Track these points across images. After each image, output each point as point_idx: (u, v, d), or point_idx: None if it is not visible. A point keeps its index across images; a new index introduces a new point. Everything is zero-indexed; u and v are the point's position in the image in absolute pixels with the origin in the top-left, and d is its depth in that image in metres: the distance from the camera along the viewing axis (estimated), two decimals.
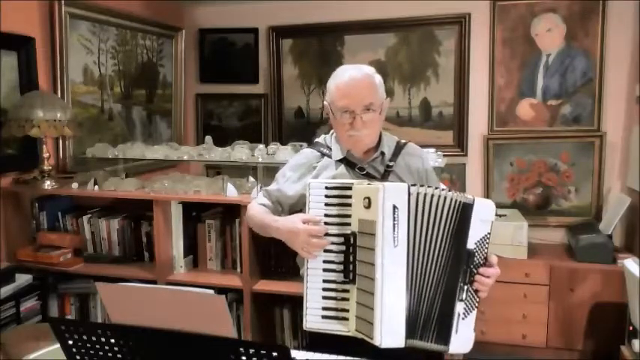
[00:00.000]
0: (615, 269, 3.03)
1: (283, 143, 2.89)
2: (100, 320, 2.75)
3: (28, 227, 2.79)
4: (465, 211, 1.44)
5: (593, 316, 3.13)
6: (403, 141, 1.75)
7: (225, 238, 2.65)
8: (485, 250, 1.47)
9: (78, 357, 1.13)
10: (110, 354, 1.11)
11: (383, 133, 1.70)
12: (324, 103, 1.67)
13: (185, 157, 2.94)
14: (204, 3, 4.08)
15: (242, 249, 2.47)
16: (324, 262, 1.47)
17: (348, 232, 1.44)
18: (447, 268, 1.44)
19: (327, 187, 1.48)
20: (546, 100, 3.56)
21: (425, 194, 1.41)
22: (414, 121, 3.83)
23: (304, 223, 1.47)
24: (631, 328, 2.65)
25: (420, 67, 3.77)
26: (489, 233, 1.47)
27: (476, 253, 1.45)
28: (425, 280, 1.42)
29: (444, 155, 2.68)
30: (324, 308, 1.46)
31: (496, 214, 3.49)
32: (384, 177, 1.64)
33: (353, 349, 1.43)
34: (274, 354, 1.00)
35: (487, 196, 3.70)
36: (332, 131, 1.72)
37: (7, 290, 2.42)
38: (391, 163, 1.66)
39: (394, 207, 1.37)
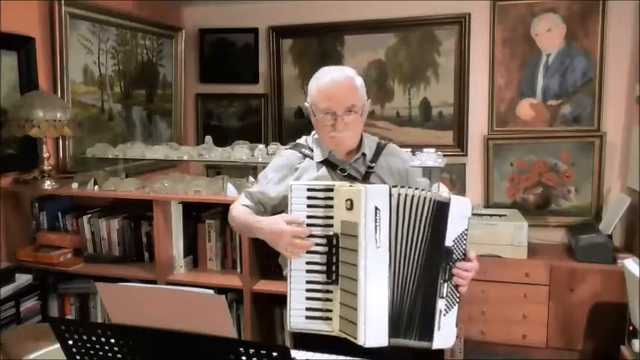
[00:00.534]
0: (615, 269, 3.03)
1: (283, 143, 2.89)
2: (100, 320, 2.75)
3: (28, 227, 2.79)
4: (441, 210, 1.46)
5: (593, 316, 3.13)
6: (383, 142, 1.76)
7: (225, 238, 2.65)
8: (464, 246, 1.50)
9: (78, 357, 1.14)
10: (110, 354, 1.11)
11: (364, 135, 1.71)
12: (306, 104, 1.68)
13: (185, 157, 2.94)
14: (204, 3, 4.07)
15: (242, 249, 2.48)
16: (308, 263, 1.48)
17: (331, 233, 1.45)
18: (427, 267, 1.46)
19: (309, 189, 1.49)
20: (546, 100, 3.56)
21: (405, 195, 1.43)
22: (414, 121, 3.83)
23: (288, 224, 1.48)
24: (631, 328, 2.65)
25: (420, 67, 3.77)
26: (467, 229, 1.50)
27: (454, 250, 1.48)
28: (407, 279, 1.45)
29: (444, 155, 2.68)
30: (308, 309, 1.47)
31: (497, 215, 3.50)
32: (366, 178, 1.65)
33: (341, 349, 1.44)
34: (274, 354, 1.00)
35: (487, 196, 3.71)
36: (313, 132, 1.73)
37: (7, 290, 2.42)
38: (372, 164, 1.67)
39: (376, 208, 1.39)
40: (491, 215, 3.44)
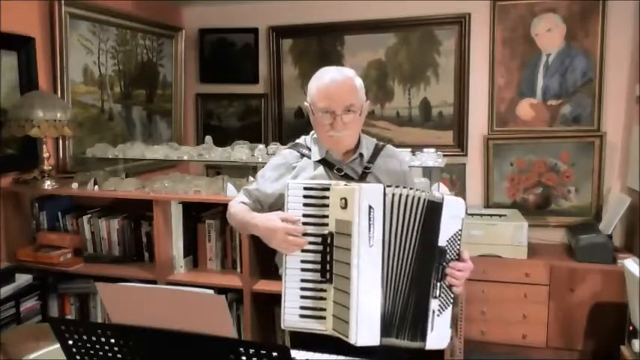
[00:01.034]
0: (615, 269, 3.03)
1: (283, 143, 2.89)
2: (100, 320, 2.75)
3: (28, 227, 2.79)
4: (434, 210, 1.46)
5: (593, 316, 3.13)
6: (381, 143, 1.77)
7: (225, 238, 2.65)
8: (458, 246, 1.50)
9: (78, 357, 1.14)
10: (110, 354, 1.11)
11: (362, 136, 1.72)
12: (305, 103, 1.69)
13: (185, 157, 2.94)
14: (204, 3, 4.07)
15: (242, 249, 2.48)
16: (302, 261, 1.49)
17: (326, 232, 1.46)
18: (420, 266, 1.46)
19: (305, 188, 1.50)
20: (546, 100, 3.56)
21: (400, 195, 1.44)
22: (414, 121, 3.83)
23: (283, 221, 1.49)
24: (631, 328, 2.65)
25: (420, 67, 3.77)
26: (460, 230, 1.50)
27: (447, 250, 1.48)
28: (400, 279, 1.45)
29: (444, 155, 2.68)
30: (302, 307, 1.48)
31: (497, 215, 3.49)
32: (362, 178, 1.66)
33: (340, 349, 1.44)
34: (274, 354, 1.00)
35: (487, 196, 3.71)
36: (312, 132, 1.74)
37: (7, 290, 2.42)
38: (369, 165, 1.68)
39: (370, 207, 1.40)
40: (491, 215, 3.44)
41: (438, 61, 3.73)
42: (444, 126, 3.77)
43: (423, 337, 1.46)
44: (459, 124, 3.73)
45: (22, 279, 2.53)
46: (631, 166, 3.31)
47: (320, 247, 1.47)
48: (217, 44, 4.19)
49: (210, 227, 2.63)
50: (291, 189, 1.51)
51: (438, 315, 1.48)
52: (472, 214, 3.46)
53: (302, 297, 1.48)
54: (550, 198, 3.62)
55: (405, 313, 1.45)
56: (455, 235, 1.49)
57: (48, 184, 2.66)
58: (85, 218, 2.76)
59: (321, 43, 3.96)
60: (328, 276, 1.45)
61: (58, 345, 1.14)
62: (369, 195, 1.40)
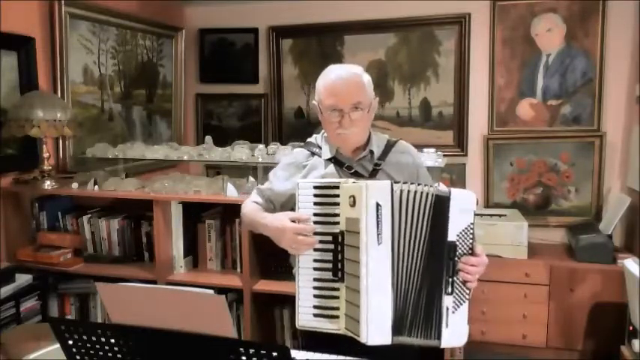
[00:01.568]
0: (615, 269, 3.03)
1: (283, 143, 2.89)
2: (100, 320, 2.75)
3: (28, 227, 2.79)
4: (441, 204, 1.44)
5: (593, 316, 3.13)
6: (393, 139, 1.76)
7: (225, 238, 2.65)
8: (470, 241, 1.47)
9: (78, 357, 1.13)
10: (110, 354, 1.11)
11: (372, 133, 1.71)
12: (313, 102, 1.68)
13: (185, 157, 2.94)
14: (204, 3, 4.07)
15: (242, 249, 2.48)
16: (315, 260, 1.48)
17: (337, 230, 1.45)
18: (431, 263, 1.44)
19: (315, 187, 1.50)
20: (546, 100, 3.56)
21: (408, 191, 1.43)
22: (414, 121, 3.83)
23: (292, 221, 1.49)
24: (631, 328, 2.65)
25: (420, 67, 3.77)
26: (472, 224, 1.46)
27: (458, 245, 1.46)
28: (410, 276, 1.43)
29: (444, 155, 2.69)
30: (316, 307, 1.47)
31: (497, 215, 3.49)
32: (373, 175, 1.65)
33: (351, 349, 1.44)
34: (274, 354, 1.00)
35: (487, 196, 3.71)
36: (323, 131, 1.73)
37: (7, 290, 2.42)
38: (380, 162, 1.67)
39: (377, 205, 1.39)
40: (491, 215, 3.44)
41: (438, 61, 3.73)
42: (444, 126, 3.77)
43: (438, 334, 1.45)
44: (459, 124, 3.73)
45: (22, 279, 2.53)
46: (631, 166, 3.31)
47: (331, 246, 1.46)
48: (217, 44, 4.19)
49: (210, 227, 2.63)
50: (301, 188, 1.51)
51: (453, 312, 1.45)
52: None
53: (315, 296, 1.48)
54: (550, 198, 3.62)
55: (417, 310, 1.44)
56: (466, 229, 1.46)
57: (48, 184, 2.66)
58: (85, 218, 2.75)
59: (321, 43, 3.96)
60: (340, 275, 1.45)
61: (58, 345, 1.14)
62: (376, 192, 1.39)
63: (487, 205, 3.70)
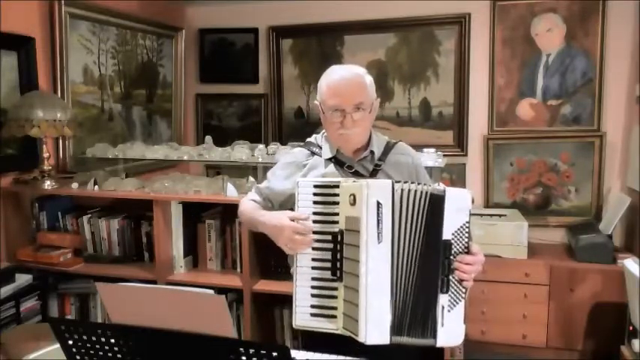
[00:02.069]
0: (615, 269, 3.03)
1: (283, 143, 2.89)
2: (100, 320, 2.75)
3: (28, 227, 2.79)
4: (436, 203, 1.44)
5: (593, 316, 3.13)
6: (393, 141, 1.76)
7: (225, 238, 2.65)
8: (466, 239, 1.47)
9: (78, 357, 1.14)
10: (110, 354, 1.11)
11: (373, 133, 1.72)
12: (315, 102, 1.69)
13: (185, 157, 2.94)
14: (204, 3, 4.08)
15: (242, 249, 2.47)
16: (313, 260, 1.48)
17: (336, 229, 1.45)
18: (427, 262, 1.44)
19: (315, 186, 1.50)
20: (546, 100, 3.56)
21: (408, 190, 1.43)
22: (414, 121, 3.83)
23: (291, 220, 1.49)
24: (631, 328, 2.65)
25: (420, 67, 3.77)
26: (468, 222, 1.47)
27: (454, 243, 1.46)
28: (409, 275, 1.43)
29: (444, 155, 2.68)
30: (313, 306, 1.47)
31: (497, 215, 3.48)
32: (373, 175, 1.65)
33: (349, 349, 1.44)
34: (274, 354, 1.00)
35: (487, 196, 3.71)
36: (323, 131, 1.73)
37: (7, 290, 2.42)
38: (380, 162, 1.67)
39: (378, 203, 1.39)
40: (491, 215, 3.44)
41: (438, 61, 3.73)
42: (444, 126, 3.77)
43: (433, 333, 1.44)
44: (459, 124, 3.73)
45: (22, 279, 2.53)
46: (631, 166, 3.31)
47: (330, 245, 1.46)
48: (217, 44, 4.19)
49: (210, 227, 2.63)
50: (301, 187, 1.51)
51: (449, 310, 1.45)
52: (472, 214, 3.46)
53: (313, 295, 1.47)
54: (550, 198, 3.62)
55: (415, 310, 1.44)
56: (461, 227, 1.46)
57: (48, 184, 2.66)
58: (85, 218, 2.75)
59: (321, 43, 3.96)
60: (338, 274, 1.45)
61: (58, 345, 1.14)
62: (377, 191, 1.39)
63: (487, 205, 3.70)
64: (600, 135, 3.46)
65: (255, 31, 4.08)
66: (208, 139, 2.97)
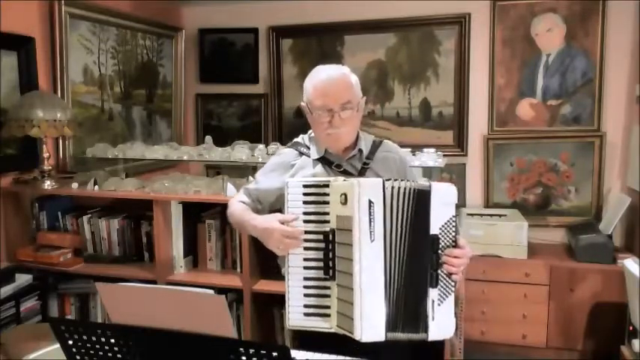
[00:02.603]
0: (615, 269, 3.03)
1: (283, 143, 2.88)
2: (100, 320, 2.75)
3: (28, 227, 2.79)
4: (422, 198, 1.46)
5: (593, 316, 3.13)
6: (379, 139, 1.78)
7: (225, 238, 2.65)
8: (453, 233, 1.49)
9: (78, 357, 1.13)
10: (110, 354, 1.11)
11: (360, 132, 1.73)
12: (302, 103, 1.69)
13: (185, 157, 2.94)
14: (204, 3, 4.07)
15: (242, 249, 2.47)
16: (305, 260, 1.49)
17: (327, 229, 1.46)
18: (416, 257, 1.46)
19: (304, 186, 1.51)
20: (546, 100, 3.56)
21: (398, 188, 1.45)
22: (414, 121, 3.83)
23: (281, 222, 1.50)
24: (631, 328, 2.65)
25: (420, 67, 3.77)
26: (454, 216, 1.49)
27: (442, 238, 1.47)
28: (400, 272, 1.45)
29: (444, 155, 2.69)
30: (306, 306, 1.48)
31: (497, 215, 3.49)
32: (361, 174, 1.66)
33: (347, 348, 1.44)
34: (274, 354, 1.00)
35: (487, 196, 3.71)
36: (310, 131, 1.74)
37: (7, 290, 2.42)
38: (368, 161, 1.68)
39: (370, 202, 1.40)
40: (491, 215, 3.45)
41: (438, 61, 3.73)
42: (444, 126, 3.77)
43: (425, 327, 1.46)
44: (459, 124, 3.73)
45: (22, 279, 2.53)
46: (631, 166, 3.31)
47: (322, 245, 1.47)
48: (217, 44, 4.19)
49: (210, 227, 2.63)
50: (290, 187, 1.52)
51: (439, 304, 1.47)
52: (472, 214, 3.47)
53: (305, 295, 1.48)
54: (550, 198, 3.62)
55: (407, 305, 1.45)
56: (448, 222, 1.48)
57: (48, 184, 2.66)
58: (85, 218, 2.75)
59: (321, 43, 3.96)
60: (331, 273, 1.46)
61: (58, 345, 1.14)
62: (368, 189, 1.41)
63: (487, 205, 3.70)
64: (600, 135, 3.46)
65: (255, 31, 4.08)
66: (208, 139, 2.97)
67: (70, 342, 1.12)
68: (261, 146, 2.76)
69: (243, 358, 1.01)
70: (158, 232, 2.54)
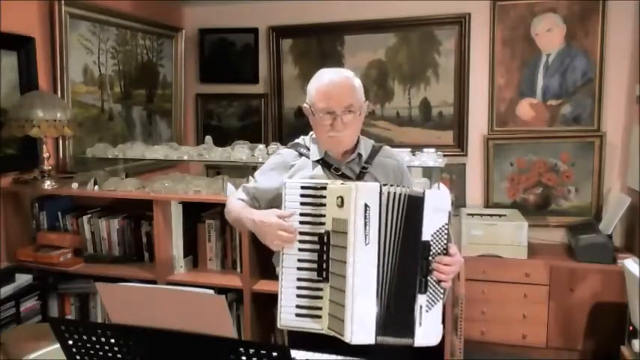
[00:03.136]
0: (615, 269, 3.03)
1: (283, 143, 2.88)
2: (100, 320, 2.75)
3: (28, 227, 2.79)
4: (415, 204, 1.46)
5: (593, 316, 3.13)
6: (378, 144, 1.78)
7: (225, 238, 2.65)
8: (444, 240, 1.49)
9: (78, 357, 1.13)
10: (110, 354, 1.11)
11: (360, 137, 1.73)
12: (304, 105, 1.70)
13: (185, 157, 2.94)
14: (204, 3, 4.08)
15: (242, 249, 2.48)
16: (299, 260, 1.50)
17: (323, 231, 1.47)
18: (407, 262, 1.47)
19: (302, 187, 1.52)
20: (546, 100, 3.56)
21: (394, 193, 1.45)
22: (414, 121, 3.83)
23: (278, 218, 1.51)
24: (631, 328, 2.65)
25: (420, 67, 3.77)
26: (447, 224, 1.49)
27: (433, 244, 1.48)
28: (392, 276, 1.46)
29: (444, 155, 2.68)
30: (298, 306, 1.49)
31: (497, 215, 3.49)
32: (359, 177, 1.67)
33: (334, 348, 1.45)
34: (274, 354, 1.00)
35: (487, 196, 3.71)
36: (311, 132, 1.75)
37: (7, 290, 2.42)
38: (367, 165, 1.69)
39: (366, 206, 1.41)
40: (491, 215, 3.45)
41: (438, 61, 3.73)
42: (444, 126, 3.77)
43: (411, 332, 1.46)
44: (459, 124, 3.73)
45: (22, 279, 2.53)
46: (631, 166, 3.31)
47: (317, 246, 1.48)
48: (217, 44, 4.19)
49: (210, 227, 2.63)
50: (288, 188, 1.53)
51: (427, 310, 1.47)
52: (472, 214, 3.47)
53: (298, 296, 1.49)
54: (550, 198, 3.62)
55: (397, 310, 1.46)
56: (440, 229, 1.48)
57: (48, 184, 2.66)
58: (85, 218, 2.75)
59: (321, 43, 3.96)
60: (324, 275, 1.47)
61: (58, 345, 1.14)
62: (365, 193, 1.42)
63: (487, 205, 3.70)
64: (600, 135, 3.46)
65: (255, 31, 4.08)
66: (208, 139, 2.97)
67: (70, 342, 1.12)
68: (261, 146, 2.76)
69: (243, 358, 1.01)
70: (158, 232, 2.54)
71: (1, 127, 2.60)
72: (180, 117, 4.19)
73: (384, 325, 1.44)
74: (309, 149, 1.72)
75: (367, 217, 1.41)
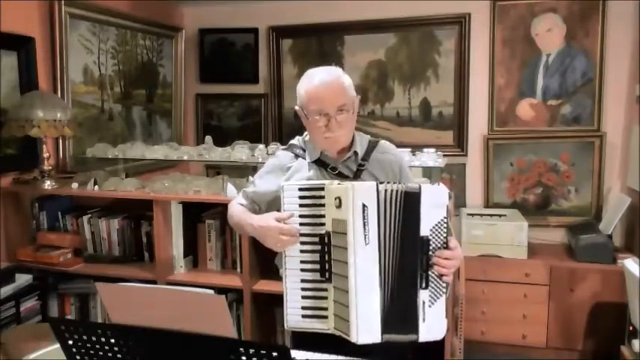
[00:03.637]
0: (615, 269, 3.03)
1: (283, 143, 2.88)
2: (100, 320, 2.75)
3: (28, 227, 2.79)
4: (412, 200, 1.46)
5: (593, 316, 3.13)
6: (375, 139, 1.77)
7: (225, 238, 2.65)
8: (444, 235, 1.49)
9: (78, 357, 1.14)
10: (110, 354, 1.11)
11: (356, 133, 1.72)
12: (296, 108, 1.68)
13: (185, 157, 2.94)
14: (204, 3, 4.07)
15: (242, 249, 2.48)
16: (302, 262, 1.51)
17: (323, 232, 1.47)
18: (407, 259, 1.47)
19: (300, 189, 1.52)
20: (546, 100, 3.56)
21: (392, 190, 1.45)
22: (414, 121, 3.83)
23: (278, 221, 1.52)
24: (631, 328, 2.65)
25: (420, 67, 3.77)
26: (445, 218, 1.48)
27: (432, 239, 1.47)
28: (394, 274, 1.46)
29: (444, 155, 2.69)
30: (304, 307, 1.50)
31: (497, 215, 3.49)
32: (357, 175, 1.66)
33: (341, 348, 1.45)
34: (274, 354, 1.00)
35: (487, 196, 3.71)
36: (305, 133, 1.74)
37: (7, 290, 2.42)
38: (364, 162, 1.68)
39: (364, 206, 1.41)
40: (491, 215, 3.45)
41: (438, 61, 3.73)
42: (444, 126, 3.77)
43: (415, 329, 1.46)
44: (459, 124, 3.73)
45: (22, 279, 2.53)
46: (631, 166, 3.31)
47: (318, 247, 1.48)
48: (217, 44, 4.19)
49: (210, 227, 2.63)
50: (286, 190, 1.53)
51: (430, 306, 1.47)
52: (472, 214, 3.47)
53: (303, 297, 1.50)
54: (550, 198, 3.62)
55: (401, 307, 1.46)
56: (439, 223, 1.48)
57: (48, 184, 2.66)
58: (85, 218, 2.75)
59: (321, 43, 3.96)
60: (327, 275, 1.47)
61: (58, 345, 1.14)
62: (362, 193, 1.42)
63: (487, 205, 3.70)
64: (600, 135, 3.46)
65: (255, 31, 4.08)
66: (208, 139, 2.97)
67: (70, 342, 1.12)
68: (261, 146, 2.76)
69: (243, 358, 1.01)
70: (158, 232, 2.54)
71: (1, 127, 2.60)
72: (180, 117, 4.19)
73: (389, 322, 1.44)
74: (304, 150, 1.72)
75: (365, 216, 1.41)
